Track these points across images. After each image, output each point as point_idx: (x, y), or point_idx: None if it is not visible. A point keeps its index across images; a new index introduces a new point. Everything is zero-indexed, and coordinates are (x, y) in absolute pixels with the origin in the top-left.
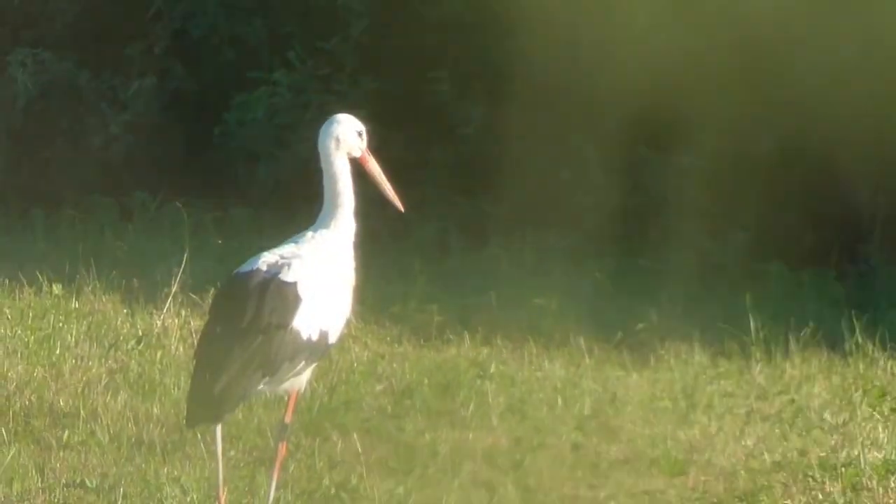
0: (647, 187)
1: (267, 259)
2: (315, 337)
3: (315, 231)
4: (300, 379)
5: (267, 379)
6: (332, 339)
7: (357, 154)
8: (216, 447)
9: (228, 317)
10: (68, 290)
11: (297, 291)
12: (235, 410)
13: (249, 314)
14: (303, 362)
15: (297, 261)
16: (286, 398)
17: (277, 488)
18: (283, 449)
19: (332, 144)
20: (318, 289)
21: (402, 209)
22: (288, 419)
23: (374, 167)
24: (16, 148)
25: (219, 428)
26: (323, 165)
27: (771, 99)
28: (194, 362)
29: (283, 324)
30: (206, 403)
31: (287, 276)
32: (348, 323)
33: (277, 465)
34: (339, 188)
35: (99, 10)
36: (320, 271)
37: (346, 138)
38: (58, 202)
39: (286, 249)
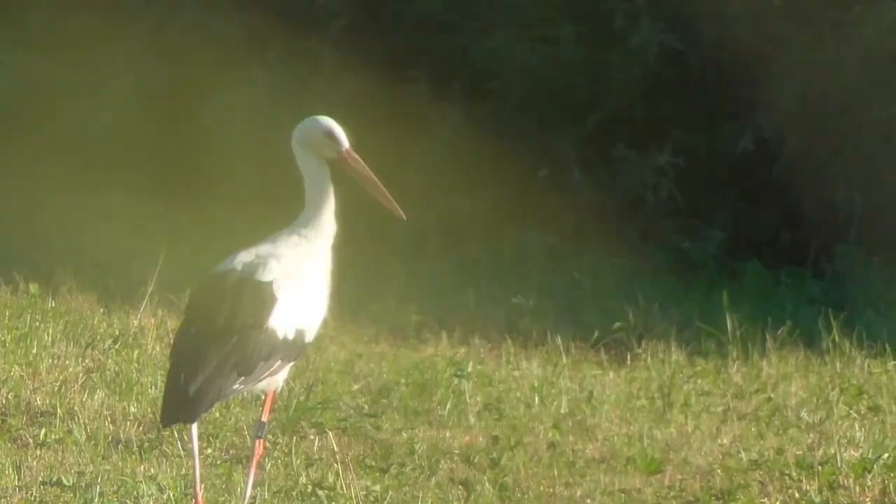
0: (625, 186)
1: (243, 258)
2: (291, 336)
3: (293, 231)
4: (277, 378)
5: (242, 379)
6: (309, 338)
7: (331, 155)
8: (192, 445)
9: (203, 316)
10: (45, 290)
11: (272, 290)
12: (211, 410)
13: (224, 314)
14: (279, 362)
15: (274, 260)
16: (263, 397)
17: (254, 486)
18: (259, 447)
19: (300, 147)
20: (294, 288)
21: (402, 216)
22: (265, 418)
23: (360, 170)
24: None
25: (194, 426)
26: (299, 167)
27: (749, 98)
28: (170, 362)
29: (259, 323)
30: (180, 403)
31: (263, 275)
32: (325, 322)
33: (254, 463)
34: (313, 190)
35: (76, 9)
36: (297, 270)
37: (312, 140)
38: (34, 202)
39: (263, 248)
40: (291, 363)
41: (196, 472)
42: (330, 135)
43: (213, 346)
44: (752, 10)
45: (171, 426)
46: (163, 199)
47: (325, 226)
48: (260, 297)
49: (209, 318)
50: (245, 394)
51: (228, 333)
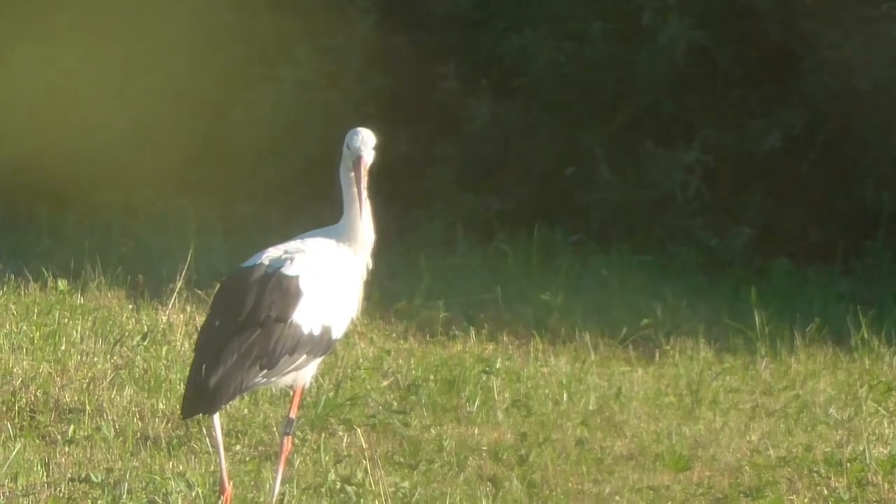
0: (653, 183)
1: (271, 254)
2: (317, 331)
3: (326, 233)
4: (304, 373)
5: (265, 372)
6: (336, 334)
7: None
8: (216, 436)
9: (228, 309)
10: (74, 286)
11: (298, 285)
12: (231, 402)
13: (248, 307)
14: (303, 356)
15: (301, 255)
16: (291, 393)
17: (283, 483)
18: (288, 444)
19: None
20: (321, 284)
21: (360, 214)
22: (293, 414)
23: (357, 179)
24: (22, 145)
25: (216, 418)
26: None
27: (777, 95)
28: (193, 354)
29: (283, 317)
30: (201, 395)
31: (289, 269)
32: (354, 319)
33: (283, 459)
34: (345, 197)
35: (104, 6)
36: (325, 267)
37: (344, 150)
38: (64, 199)
39: (292, 245)
40: (319, 359)
41: (222, 464)
42: (348, 144)
43: (235, 338)
44: (781, 7)
45: (191, 418)
46: (191, 196)
47: (359, 233)
48: (285, 291)
49: (233, 311)
50: (273, 389)
51: (252, 326)
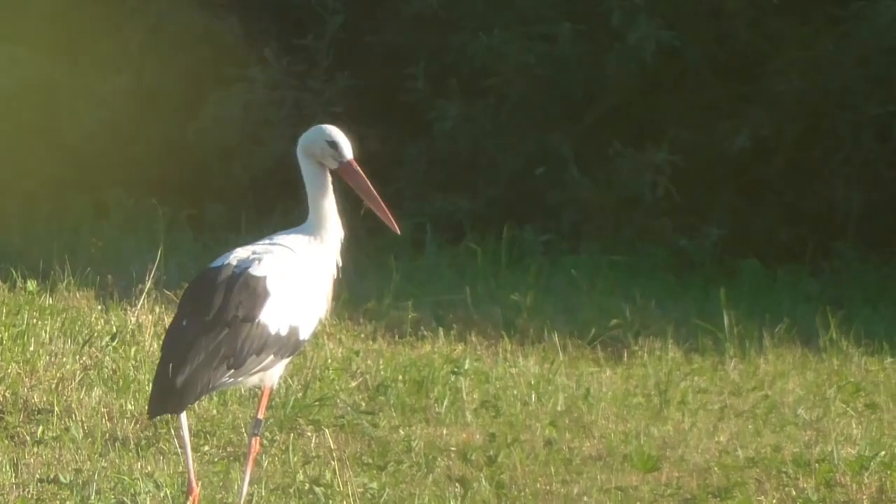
0: (623, 183)
1: (239, 254)
2: (284, 332)
3: (294, 233)
4: (272, 374)
5: (232, 372)
6: (304, 335)
7: (332, 165)
8: (183, 435)
9: (195, 309)
10: (43, 287)
11: (265, 285)
12: (199, 402)
13: (216, 307)
14: (271, 357)
15: (269, 256)
16: (259, 393)
17: (251, 483)
18: (256, 444)
19: (303, 154)
20: (288, 284)
21: (397, 231)
22: (261, 415)
23: (360, 183)
24: None
25: (184, 417)
26: (302, 174)
27: (746, 95)
28: (160, 353)
29: (250, 317)
30: (168, 394)
31: (256, 270)
32: (322, 320)
33: (251, 460)
34: (315, 197)
35: (75, 7)
36: (292, 268)
37: (315, 149)
38: (33, 199)
39: (260, 245)
40: (287, 360)
41: (190, 464)
42: (333, 145)
43: (203, 338)
44: (750, 7)
45: (158, 417)
46: (161, 196)
47: (329, 233)
48: (252, 291)
49: (201, 310)
50: (242, 390)
51: (219, 326)
